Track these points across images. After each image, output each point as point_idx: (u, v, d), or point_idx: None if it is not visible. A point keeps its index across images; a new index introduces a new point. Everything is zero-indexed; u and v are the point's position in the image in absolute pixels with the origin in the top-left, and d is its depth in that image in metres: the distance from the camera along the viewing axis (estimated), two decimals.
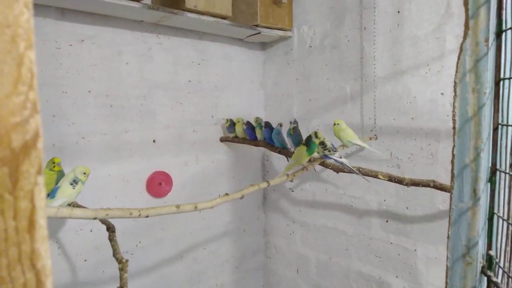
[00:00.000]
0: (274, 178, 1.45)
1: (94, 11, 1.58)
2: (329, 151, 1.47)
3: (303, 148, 1.46)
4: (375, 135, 1.83)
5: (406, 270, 1.76)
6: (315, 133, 1.45)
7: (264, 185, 1.33)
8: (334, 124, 1.65)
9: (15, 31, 0.18)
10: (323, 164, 1.59)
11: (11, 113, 0.19)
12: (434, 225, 1.66)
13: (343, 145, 1.69)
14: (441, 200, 1.62)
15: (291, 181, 1.51)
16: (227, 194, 1.20)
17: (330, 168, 1.58)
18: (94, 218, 0.92)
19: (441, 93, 1.59)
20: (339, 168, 1.55)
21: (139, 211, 0.96)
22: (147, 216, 0.98)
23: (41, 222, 0.21)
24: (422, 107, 1.65)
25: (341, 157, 1.48)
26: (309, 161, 1.53)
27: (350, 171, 1.49)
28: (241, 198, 1.23)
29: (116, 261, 1.04)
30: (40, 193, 0.21)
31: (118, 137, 1.72)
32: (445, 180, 1.56)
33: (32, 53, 0.19)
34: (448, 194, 1.51)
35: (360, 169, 1.52)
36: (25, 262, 0.20)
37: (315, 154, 1.53)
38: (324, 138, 1.49)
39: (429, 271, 1.68)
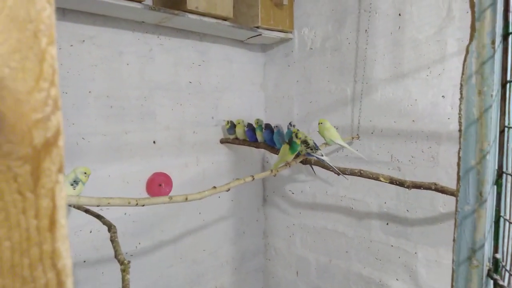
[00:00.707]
0: (259, 173, 1.55)
1: (95, 11, 1.58)
2: (312, 149, 1.57)
3: (286, 147, 1.55)
4: (357, 134, 1.86)
5: (407, 272, 1.76)
6: (295, 134, 1.55)
7: (249, 179, 1.41)
8: (319, 123, 1.71)
9: (37, 26, 0.18)
10: (306, 161, 1.69)
11: (33, 110, 0.19)
12: (434, 228, 1.66)
13: (326, 143, 1.73)
14: (442, 203, 1.62)
15: (274, 175, 1.61)
16: (214, 187, 1.29)
17: (331, 170, 1.59)
18: (98, 205, 1.01)
19: (442, 96, 1.59)
20: (339, 170, 1.57)
21: (136, 201, 1.08)
22: (143, 205, 1.09)
23: (62, 221, 0.20)
24: (423, 109, 1.65)
25: (322, 155, 1.58)
26: (293, 158, 1.64)
27: (332, 169, 1.57)
28: (227, 191, 1.33)
29: (116, 263, 1.03)
30: (61, 192, 0.20)
31: (118, 138, 1.72)
32: (446, 183, 1.56)
33: (54, 49, 0.19)
34: (449, 197, 1.52)
35: (362, 171, 1.53)
36: (46, 262, 0.20)
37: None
38: (306, 137, 1.59)
39: (430, 274, 1.68)
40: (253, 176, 1.41)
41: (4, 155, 0.18)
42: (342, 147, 1.82)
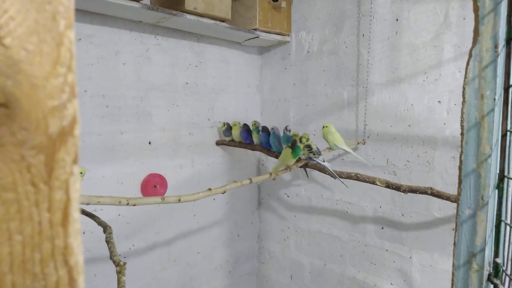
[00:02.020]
0: (258, 177, 1.52)
1: (93, 10, 1.56)
2: (314, 154, 1.55)
3: (288, 151, 1.54)
4: (363, 140, 1.85)
5: (401, 277, 1.76)
6: (300, 139, 1.53)
7: (246, 181, 1.38)
8: (323, 127, 1.70)
9: (56, 8, 0.17)
10: (306, 165, 1.66)
11: (49, 96, 0.18)
12: (429, 232, 1.66)
13: (330, 148, 1.72)
14: (437, 207, 1.63)
15: (274, 179, 1.57)
16: (209, 189, 1.25)
17: (327, 174, 1.58)
18: (88, 204, 0.99)
19: (438, 101, 1.60)
20: (336, 173, 1.57)
21: (127, 200, 1.04)
22: (134, 205, 1.06)
23: (75, 215, 0.19)
24: (419, 114, 1.66)
25: (324, 161, 1.56)
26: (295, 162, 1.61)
27: (331, 174, 1.56)
28: (223, 193, 1.30)
29: (109, 264, 1.02)
30: (75, 184, 0.19)
31: (113, 138, 1.70)
32: (441, 187, 1.57)
33: (72, 32, 0.18)
34: (445, 201, 1.52)
35: (358, 175, 1.53)
36: (58, 258, 0.19)
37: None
38: (311, 142, 1.57)
39: (424, 279, 1.68)
40: (251, 179, 1.39)
41: (18, 143, 0.17)
42: (346, 152, 1.80)
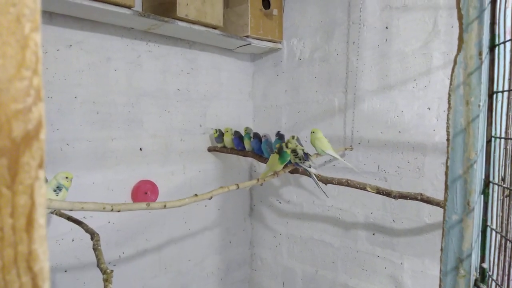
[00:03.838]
0: (244, 182, 1.51)
1: (83, 16, 1.56)
2: (300, 159, 1.54)
3: (275, 156, 1.53)
4: (350, 145, 1.86)
5: (393, 283, 1.76)
6: (286, 144, 1.52)
7: (233, 187, 1.37)
8: (311, 132, 1.70)
9: (20, 10, 0.17)
10: (295, 170, 1.65)
11: (12, 99, 0.17)
12: (420, 238, 1.67)
13: (317, 154, 1.72)
14: (427, 213, 1.63)
15: (261, 185, 1.57)
16: (196, 195, 1.24)
17: (319, 180, 1.59)
18: (71, 210, 0.96)
19: (428, 108, 1.62)
20: (327, 180, 1.57)
21: (111, 206, 1.01)
22: (118, 211, 1.03)
23: (40, 220, 0.19)
24: (409, 121, 1.67)
25: (310, 167, 1.56)
26: (283, 168, 1.60)
27: (315, 181, 1.56)
28: (210, 199, 1.28)
29: (99, 272, 1.00)
30: (41, 189, 0.19)
31: (103, 145, 1.68)
32: (431, 193, 1.58)
33: (38, 35, 0.18)
34: (435, 207, 1.53)
35: (349, 181, 1.53)
36: (21, 264, 0.18)
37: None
38: (297, 146, 1.56)
39: (415, 285, 1.68)
40: (237, 184, 1.38)
41: None
42: (333, 158, 1.81)
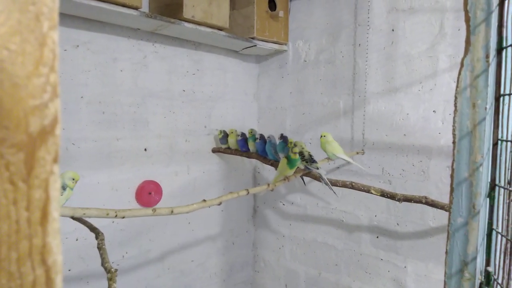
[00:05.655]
0: (255, 188, 1.48)
1: (91, 17, 1.57)
2: (307, 162, 1.53)
3: (284, 161, 1.51)
4: (362, 149, 1.84)
5: (396, 287, 1.75)
6: (291, 148, 1.50)
7: (243, 193, 1.35)
8: (321, 136, 1.69)
9: (39, 9, 0.17)
10: (308, 174, 1.62)
11: (30, 95, 0.18)
12: (424, 242, 1.66)
13: (328, 158, 1.70)
14: (431, 217, 1.63)
15: (272, 190, 1.55)
16: (204, 200, 1.21)
17: (323, 183, 1.58)
18: (72, 216, 0.93)
19: (433, 111, 1.61)
20: (331, 182, 1.56)
21: (115, 212, 0.98)
22: (123, 217, 1.00)
23: (55, 214, 0.19)
24: (415, 124, 1.67)
25: (318, 168, 1.54)
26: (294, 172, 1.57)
27: (325, 182, 1.54)
28: (218, 205, 1.25)
29: (103, 272, 1.01)
30: (55, 183, 0.19)
31: (109, 145, 1.69)
32: (436, 197, 1.57)
33: (56, 33, 0.18)
34: (439, 211, 1.52)
35: (353, 184, 1.53)
36: (35, 257, 0.19)
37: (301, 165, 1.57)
38: (303, 149, 1.54)
39: None
40: (248, 189, 1.34)
41: None
42: (346, 162, 1.78)
